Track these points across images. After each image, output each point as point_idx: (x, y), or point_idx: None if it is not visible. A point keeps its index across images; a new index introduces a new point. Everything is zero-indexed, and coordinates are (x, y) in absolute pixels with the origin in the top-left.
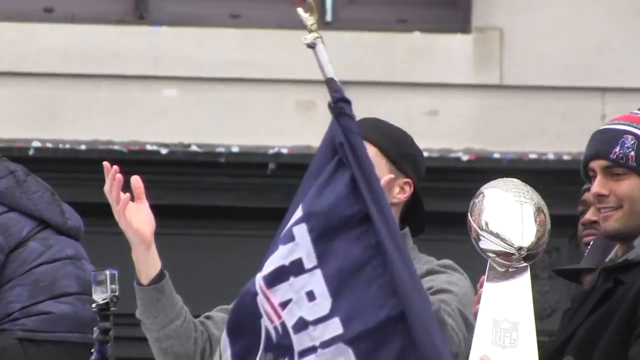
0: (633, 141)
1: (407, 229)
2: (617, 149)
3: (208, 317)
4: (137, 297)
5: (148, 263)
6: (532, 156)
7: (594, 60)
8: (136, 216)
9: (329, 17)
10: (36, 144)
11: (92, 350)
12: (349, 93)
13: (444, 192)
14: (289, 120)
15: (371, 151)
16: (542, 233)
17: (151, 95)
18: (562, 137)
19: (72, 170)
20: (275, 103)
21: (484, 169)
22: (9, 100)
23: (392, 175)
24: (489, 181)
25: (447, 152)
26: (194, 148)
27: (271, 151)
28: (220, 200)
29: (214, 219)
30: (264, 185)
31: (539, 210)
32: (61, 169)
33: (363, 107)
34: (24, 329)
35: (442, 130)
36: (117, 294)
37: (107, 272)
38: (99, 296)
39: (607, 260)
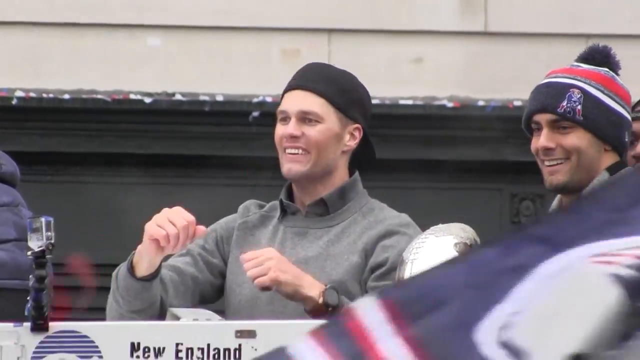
0: (579, 95)
1: (357, 174)
2: (564, 103)
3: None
4: (122, 281)
5: (150, 265)
6: (517, 103)
7: (578, 6)
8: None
9: None
10: (19, 93)
11: (25, 300)
12: (335, 41)
13: (429, 140)
14: (274, 68)
15: (318, 101)
16: None
17: (135, 44)
18: None
19: (56, 120)
20: (260, 51)
21: (469, 116)
22: None
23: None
24: (473, 129)
25: (432, 99)
26: (178, 97)
27: (255, 100)
28: (204, 149)
29: (197, 167)
30: (248, 134)
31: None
32: (45, 119)
33: (349, 55)
34: None
35: (427, 77)
36: (52, 241)
37: (43, 219)
38: (35, 243)
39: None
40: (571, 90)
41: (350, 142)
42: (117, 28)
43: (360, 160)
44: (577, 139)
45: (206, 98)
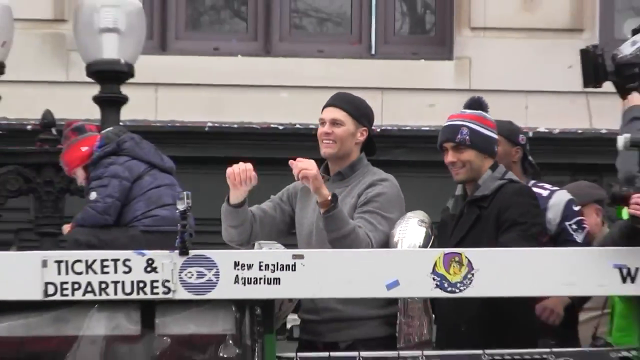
0: (467, 130)
1: (362, 155)
2: (459, 136)
3: (252, 212)
4: (223, 208)
5: (235, 197)
6: None
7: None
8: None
9: None
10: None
11: (176, 237)
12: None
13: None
14: None
15: (342, 113)
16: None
17: None
18: None
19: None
20: None
21: None
22: None
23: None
24: None
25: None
26: None
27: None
28: None
29: None
30: None
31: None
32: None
33: None
34: (144, 225)
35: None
36: (190, 204)
37: (185, 193)
38: (180, 206)
39: (457, 194)
40: (462, 127)
41: (360, 138)
42: None
43: (367, 149)
44: (468, 155)
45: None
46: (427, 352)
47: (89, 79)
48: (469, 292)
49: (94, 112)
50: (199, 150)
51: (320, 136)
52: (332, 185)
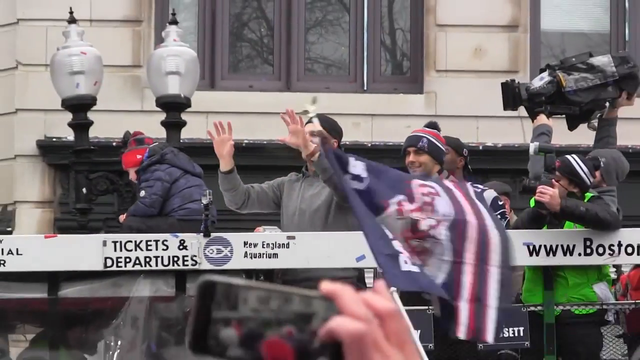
0: (426, 140)
1: None
2: (420, 144)
3: (253, 187)
4: (220, 177)
5: (225, 165)
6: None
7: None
8: (225, 146)
9: None
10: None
11: (201, 224)
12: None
13: None
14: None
15: (320, 127)
16: None
17: None
18: None
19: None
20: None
21: None
22: None
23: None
24: None
25: None
26: None
27: None
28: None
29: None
30: None
31: None
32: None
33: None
34: (179, 215)
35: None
36: (211, 200)
37: (207, 190)
38: (204, 200)
39: None
40: (422, 138)
41: (333, 145)
42: None
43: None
44: (424, 159)
45: None
46: None
47: (158, 109)
48: None
49: (161, 133)
50: (238, 160)
51: None
52: (312, 179)
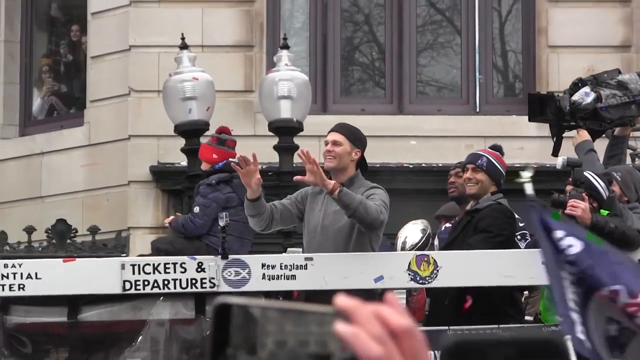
0: (485, 159)
1: (358, 171)
2: (478, 162)
3: (275, 206)
4: (245, 203)
5: (253, 193)
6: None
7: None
8: (252, 177)
9: None
10: None
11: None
12: None
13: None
14: None
15: (341, 137)
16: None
17: None
18: None
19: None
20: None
21: None
22: None
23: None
24: None
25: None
26: None
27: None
28: None
29: None
30: None
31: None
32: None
33: None
34: (209, 241)
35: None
36: (228, 222)
37: (225, 213)
38: (221, 223)
39: (468, 208)
40: (482, 157)
41: (355, 157)
42: None
43: (361, 166)
44: (482, 176)
45: None
46: None
47: (270, 133)
48: (435, 284)
49: (274, 157)
50: None
51: (325, 154)
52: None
